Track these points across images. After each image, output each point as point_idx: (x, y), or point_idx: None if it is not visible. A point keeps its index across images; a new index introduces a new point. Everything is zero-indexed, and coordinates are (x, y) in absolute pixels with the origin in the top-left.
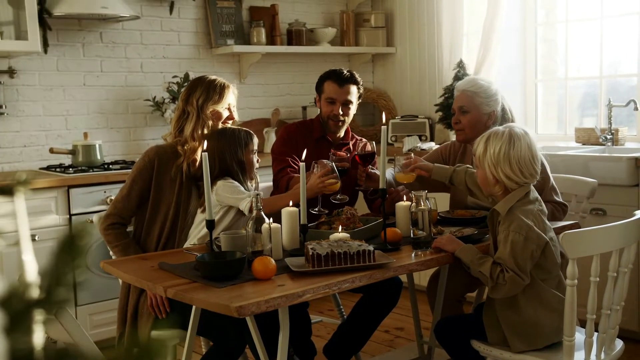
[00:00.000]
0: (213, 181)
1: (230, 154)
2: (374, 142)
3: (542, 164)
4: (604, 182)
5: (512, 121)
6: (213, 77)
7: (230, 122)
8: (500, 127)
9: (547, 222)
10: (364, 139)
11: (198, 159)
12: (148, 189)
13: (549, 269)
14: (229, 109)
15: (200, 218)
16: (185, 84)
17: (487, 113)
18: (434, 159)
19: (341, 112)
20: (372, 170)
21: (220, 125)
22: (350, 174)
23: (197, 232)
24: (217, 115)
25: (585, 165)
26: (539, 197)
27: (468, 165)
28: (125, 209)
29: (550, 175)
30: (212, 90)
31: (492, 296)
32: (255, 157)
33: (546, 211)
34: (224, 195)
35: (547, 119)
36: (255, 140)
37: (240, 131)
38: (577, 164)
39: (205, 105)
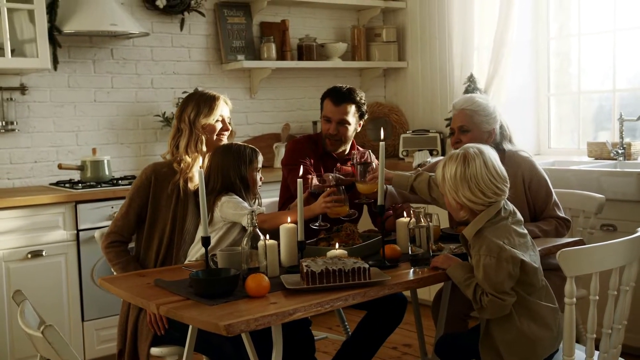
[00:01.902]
0: (216, 196)
1: (234, 170)
2: (369, 152)
3: (544, 179)
4: (615, 198)
5: (510, 137)
6: (205, 91)
7: (226, 133)
8: (456, 150)
9: (523, 230)
10: (360, 149)
11: (195, 175)
12: (146, 206)
13: (532, 281)
14: (222, 120)
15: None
16: None
17: (488, 131)
18: (433, 170)
19: (336, 132)
20: (358, 185)
21: (215, 138)
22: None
23: (198, 249)
24: (210, 129)
25: (597, 181)
26: (513, 209)
27: (432, 174)
28: (125, 226)
29: (553, 190)
30: (202, 104)
31: (481, 316)
32: (258, 175)
33: (522, 220)
34: (227, 211)
35: (560, 133)
36: (260, 158)
37: (246, 148)
38: (589, 179)
39: (196, 120)
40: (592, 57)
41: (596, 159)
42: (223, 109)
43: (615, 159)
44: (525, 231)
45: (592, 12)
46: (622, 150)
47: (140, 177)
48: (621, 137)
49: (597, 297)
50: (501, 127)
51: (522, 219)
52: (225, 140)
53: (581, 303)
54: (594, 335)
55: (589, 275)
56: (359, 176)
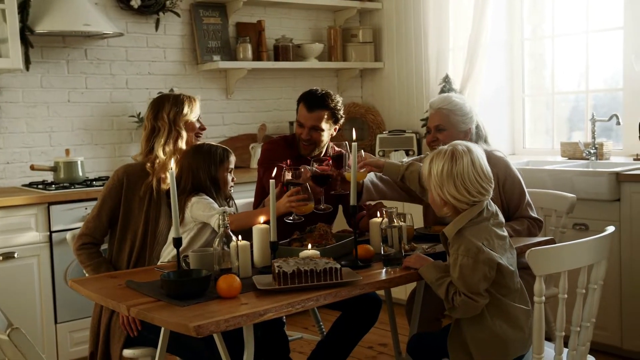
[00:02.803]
0: (186, 197)
1: (204, 171)
2: (346, 143)
3: (518, 180)
4: (587, 197)
5: (486, 137)
6: (176, 93)
7: (203, 132)
8: (444, 146)
9: (503, 232)
10: (342, 150)
11: (169, 176)
12: (118, 208)
13: (507, 284)
14: (199, 120)
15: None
16: None
17: (464, 131)
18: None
19: (309, 137)
20: (346, 173)
21: (193, 137)
22: (332, 182)
23: (170, 250)
24: (191, 127)
25: (570, 180)
26: (495, 211)
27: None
28: (97, 228)
29: (526, 190)
30: (180, 103)
31: (452, 315)
32: (230, 176)
33: (503, 222)
34: (197, 212)
35: (535, 133)
36: (232, 158)
37: (217, 148)
38: (562, 179)
39: (177, 118)
40: (565, 58)
41: (569, 158)
42: (199, 109)
43: (588, 159)
44: (505, 233)
45: (565, 14)
46: (594, 151)
47: (112, 178)
48: (593, 138)
49: (566, 296)
50: (477, 127)
51: (503, 220)
52: (200, 139)
53: (553, 301)
54: (563, 333)
55: (560, 273)
56: (343, 164)
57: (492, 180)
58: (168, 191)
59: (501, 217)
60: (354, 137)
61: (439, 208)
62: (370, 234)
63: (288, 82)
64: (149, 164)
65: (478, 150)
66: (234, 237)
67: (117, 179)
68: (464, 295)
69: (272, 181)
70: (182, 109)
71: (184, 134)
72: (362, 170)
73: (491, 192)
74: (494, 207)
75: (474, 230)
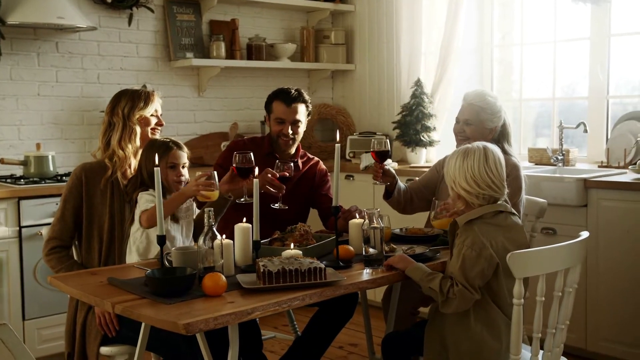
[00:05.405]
0: (134, 193)
1: (144, 166)
2: (387, 140)
3: (519, 182)
4: (555, 202)
5: (509, 136)
6: (136, 87)
7: (160, 128)
8: (463, 146)
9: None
10: (315, 158)
11: (129, 170)
12: (81, 206)
13: (499, 292)
14: (156, 115)
15: (133, 230)
16: None
17: (489, 128)
18: (431, 175)
19: (291, 132)
20: (387, 167)
21: (149, 132)
22: (298, 187)
23: (137, 246)
24: (145, 122)
25: (537, 185)
26: (514, 225)
27: None
28: (63, 230)
29: (523, 195)
30: (137, 98)
31: (443, 311)
32: (173, 171)
33: (523, 243)
34: (140, 207)
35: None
36: (176, 152)
37: (159, 142)
38: (529, 184)
39: (131, 113)
40: (533, 65)
41: (536, 164)
42: (157, 104)
43: (555, 165)
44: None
45: (534, 23)
46: (562, 157)
47: (71, 178)
48: (561, 144)
49: (544, 298)
50: (503, 125)
51: (525, 242)
52: (158, 135)
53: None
54: (539, 335)
55: (531, 277)
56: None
57: (504, 179)
58: (126, 187)
59: (521, 239)
60: (338, 138)
61: (454, 201)
62: (349, 235)
63: (260, 81)
64: (107, 159)
65: (495, 149)
66: (218, 236)
67: (75, 177)
68: (461, 285)
69: (255, 181)
70: (137, 104)
71: (138, 129)
72: (450, 218)
73: (503, 190)
74: (517, 221)
75: (484, 228)
